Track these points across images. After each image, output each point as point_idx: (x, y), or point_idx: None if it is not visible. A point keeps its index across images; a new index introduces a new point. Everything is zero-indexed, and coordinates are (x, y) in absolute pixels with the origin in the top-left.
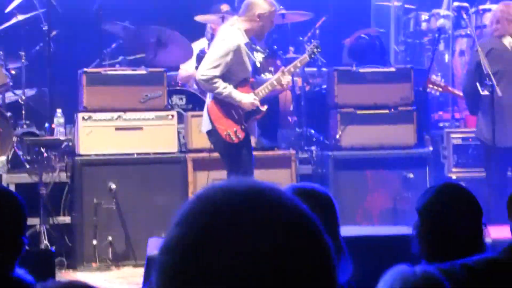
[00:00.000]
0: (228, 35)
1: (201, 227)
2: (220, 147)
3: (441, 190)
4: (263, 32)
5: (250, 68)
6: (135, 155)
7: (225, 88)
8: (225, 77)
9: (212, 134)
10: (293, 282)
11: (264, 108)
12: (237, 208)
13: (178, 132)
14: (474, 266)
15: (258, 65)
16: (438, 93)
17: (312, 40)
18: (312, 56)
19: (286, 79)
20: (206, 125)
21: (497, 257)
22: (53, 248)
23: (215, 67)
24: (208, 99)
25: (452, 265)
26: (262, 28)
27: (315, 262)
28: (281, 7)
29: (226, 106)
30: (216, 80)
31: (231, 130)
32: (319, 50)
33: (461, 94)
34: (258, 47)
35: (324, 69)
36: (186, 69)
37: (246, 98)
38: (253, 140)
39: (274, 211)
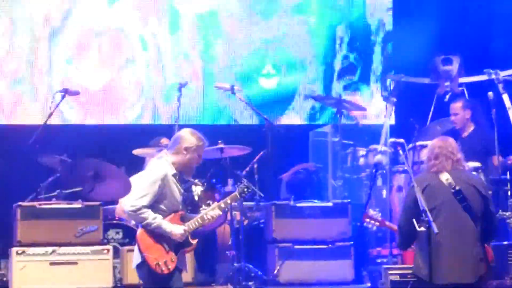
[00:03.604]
0: (155, 166)
1: None
2: (148, 279)
3: None
4: (191, 165)
5: (179, 199)
6: None
7: (154, 219)
8: (154, 208)
9: (142, 267)
10: None
11: (194, 241)
12: None
13: (114, 267)
14: None
15: (197, 198)
16: (375, 228)
17: (243, 180)
18: (243, 195)
19: (215, 213)
20: (136, 258)
21: None
22: None
23: (143, 197)
24: (139, 230)
25: None
26: (189, 161)
27: None
28: (220, 141)
29: (156, 236)
30: (144, 210)
31: (161, 261)
32: (249, 190)
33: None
34: (196, 181)
35: (262, 203)
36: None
37: (176, 230)
38: (189, 275)
39: None
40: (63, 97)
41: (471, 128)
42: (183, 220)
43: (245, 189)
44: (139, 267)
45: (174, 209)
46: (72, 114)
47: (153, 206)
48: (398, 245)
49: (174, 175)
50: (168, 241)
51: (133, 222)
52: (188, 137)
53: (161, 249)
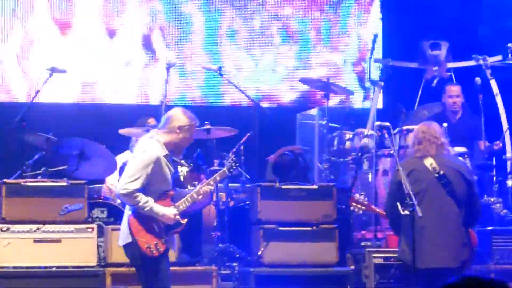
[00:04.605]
0: (147, 147)
1: None
2: (138, 260)
3: None
4: (183, 145)
5: (170, 180)
6: (54, 268)
7: (146, 203)
8: (145, 189)
9: (131, 247)
10: None
11: (184, 221)
12: None
13: (98, 246)
14: None
15: (182, 179)
16: (361, 212)
17: (230, 154)
18: (231, 170)
19: (205, 189)
20: (124, 238)
21: None
22: None
23: (135, 180)
24: (128, 212)
25: None
26: (181, 141)
27: None
28: (206, 122)
29: (147, 219)
30: (137, 194)
31: (151, 243)
32: (237, 164)
33: (383, 213)
34: (182, 161)
35: (248, 185)
36: (111, 182)
37: (168, 212)
38: (174, 255)
39: None
40: (50, 75)
41: (460, 113)
42: (173, 200)
43: (233, 164)
44: (127, 246)
45: (165, 189)
46: (57, 93)
47: (145, 188)
48: (392, 230)
49: (166, 156)
50: (159, 223)
51: (118, 201)
52: (180, 116)
53: (152, 232)
